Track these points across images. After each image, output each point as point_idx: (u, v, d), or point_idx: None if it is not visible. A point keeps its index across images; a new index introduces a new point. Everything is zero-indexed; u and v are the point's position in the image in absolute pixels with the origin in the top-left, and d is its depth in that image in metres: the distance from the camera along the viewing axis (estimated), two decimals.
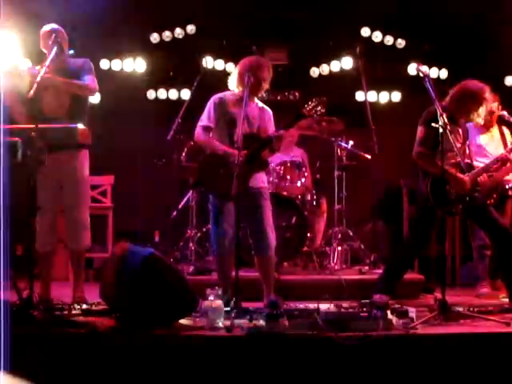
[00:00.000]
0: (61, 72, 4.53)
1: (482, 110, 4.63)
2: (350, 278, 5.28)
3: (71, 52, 4.71)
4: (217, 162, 4.44)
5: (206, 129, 4.55)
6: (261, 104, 4.65)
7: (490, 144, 5.49)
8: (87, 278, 4.79)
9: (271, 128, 4.55)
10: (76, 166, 4.52)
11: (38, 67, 4.49)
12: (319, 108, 4.38)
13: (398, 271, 4.73)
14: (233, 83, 4.58)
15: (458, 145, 4.52)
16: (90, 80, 4.56)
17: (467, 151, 4.84)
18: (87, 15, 6.37)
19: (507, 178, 5.37)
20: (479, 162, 5.10)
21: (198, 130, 4.58)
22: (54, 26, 4.63)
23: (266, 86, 4.55)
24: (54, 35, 4.52)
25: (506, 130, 5.54)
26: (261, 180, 4.54)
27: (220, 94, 4.62)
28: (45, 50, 4.59)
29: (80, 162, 4.54)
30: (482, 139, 5.52)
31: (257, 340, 3.49)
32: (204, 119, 4.57)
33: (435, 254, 5.89)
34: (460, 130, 4.70)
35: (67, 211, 4.54)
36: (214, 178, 4.46)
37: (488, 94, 4.64)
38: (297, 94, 7.02)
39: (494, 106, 5.33)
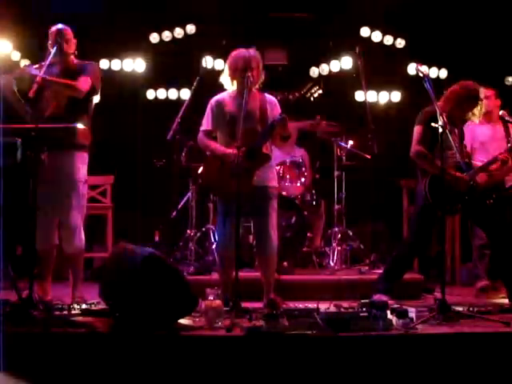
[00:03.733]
0: (64, 73, 4.53)
1: (477, 110, 4.64)
2: (350, 278, 5.28)
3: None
4: (218, 164, 4.46)
5: (206, 133, 4.59)
6: (261, 93, 4.59)
7: (492, 142, 5.49)
8: (87, 278, 4.78)
9: (276, 114, 4.48)
10: (69, 167, 4.47)
11: (36, 67, 4.50)
12: (315, 89, 4.35)
13: (397, 271, 4.73)
14: (226, 81, 4.59)
15: (456, 144, 4.53)
16: (81, 80, 4.49)
17: (464, 150, 4.85)
18: (87, 15, 6.38)
19: (507, 177, 5.38)
20: (480, 161, 5.10)
21: (199, 135, 4.62)
22: (60, 26, 4.59)
23: (262, 75, 4.54)
24: (54, 35, 4.52)
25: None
26: (268, 178, 4.52)
27: (217, 96, 4.63)
28: (51, 49, 4.57)
29: (75, 164, 4.49)
30: (485, 136, 5.52)
31: (256, 340, 3.49)
32: (204, 123, 4.61)
33: (435, 253, 5.89)
34: (456, 130, 4.71)
35: (59, 212, 4.50)
36: (217, 181, 4.49)
37: (483, 94, 4.65)
38: (296, 94, 7.03)
39: (482, 92, 5.26)
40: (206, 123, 4.59)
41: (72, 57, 4.65)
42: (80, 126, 4.23)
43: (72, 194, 4.48)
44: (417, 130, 4.63)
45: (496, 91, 5.47)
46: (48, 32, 4.58)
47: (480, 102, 4.65)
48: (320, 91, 4.35)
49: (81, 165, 4.54)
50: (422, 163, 4.59)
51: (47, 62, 4.36)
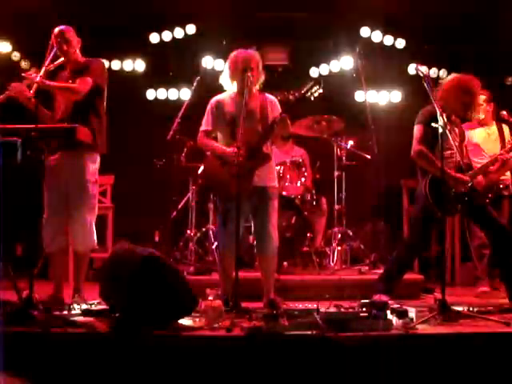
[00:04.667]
0: (73, 74, 4.52)
1: (477, 104, 4.62)
2: (350, 278, 5.28)
3: None
4: (218, 163, 4.46)
5: (206, 133, 4.59)
6: (262, 93, 4.60)
7: (486, 142, 5.49)
8: (87, 277, 4.78)
9: (276, 114, 4.47)
10: (78, 167, 4.47)
11: (33, 69, 4.52)
12: (316, 88, 4.35)
13: (397, 271, 4.73)
14: (226, 82, 4.59)
15: (456, 144, 4.52)
16: (80, 81, 4.47)
17: (465, 151, 4.85)
18: (87, 15, 6.38)
19: (503, 177, 5.38)
20: (476, 162, 5.10)
21: (199, 135, 4.62)
22: (61, 27, 4.58)
23: (261, 75, 4.54)
24: (54, 36, 4.52)
25: (506, 129, 5.53)
26: (268, 178, 4.51)
27: (217, 97, 4.63)
28: (51, 51, 4.57)
29: (82, 163, 4.48)
30: (478, 137, 5.52)
31: (256, 340, 3.49)
32: (204, 123, 4.61)
33: (435, 253, 5.90)
34: (457, 130, 4.70)
35: (70, 212, 4.50)
36: (217, 180, 4.49)
37: (479, 87, 4.64)
38: (296, 94, 7.02)
39: (481, 98, 5.30)
40: (206, 123, 4.59)
41: (77, 56, 4.64)
42: (81, 126, 4.24)
43: (82, 193, 4.48)
44: (417, 129, 4.62)
45: (488, 94, 5.46)
46: (49, 32, 4.59)
47: (478, 94, 4.64)
48: (320, 90, 4.33)
49: (90, 165, 4.53)
50: (423, 163, 4.58)
51: (46, 64, 4.39)
